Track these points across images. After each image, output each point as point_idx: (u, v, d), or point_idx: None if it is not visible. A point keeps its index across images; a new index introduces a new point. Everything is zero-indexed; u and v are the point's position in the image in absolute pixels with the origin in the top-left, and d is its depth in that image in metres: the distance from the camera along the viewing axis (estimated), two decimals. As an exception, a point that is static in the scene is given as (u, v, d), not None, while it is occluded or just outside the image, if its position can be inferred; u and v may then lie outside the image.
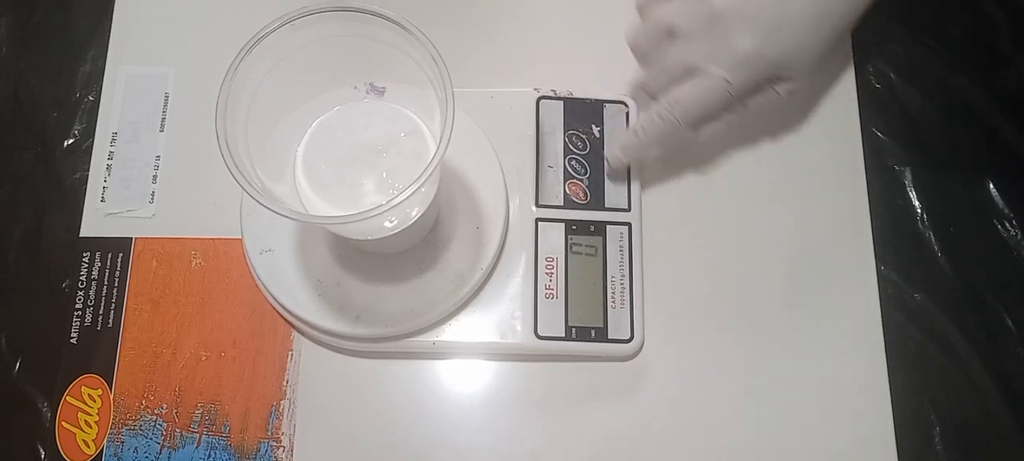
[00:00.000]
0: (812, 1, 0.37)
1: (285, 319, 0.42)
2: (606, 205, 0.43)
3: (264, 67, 0.33)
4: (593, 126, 0.44)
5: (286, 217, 0.30)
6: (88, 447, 0.40)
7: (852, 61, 0.47)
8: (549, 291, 0.41)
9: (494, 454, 0.41)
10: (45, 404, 0.41)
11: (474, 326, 0.41)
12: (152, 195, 0.44)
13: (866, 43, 0.48)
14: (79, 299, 0.43)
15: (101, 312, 0.42)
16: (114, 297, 0.43)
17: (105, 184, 0.45)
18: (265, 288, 0.41)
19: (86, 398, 0.41)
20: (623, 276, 0.42)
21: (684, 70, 0.39)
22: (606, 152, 0.44)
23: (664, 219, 0.44)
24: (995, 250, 0.44)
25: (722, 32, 0.37)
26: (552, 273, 0.42)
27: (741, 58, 0.38)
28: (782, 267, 0.44)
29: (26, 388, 0.42)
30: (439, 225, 0.41)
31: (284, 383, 0.41)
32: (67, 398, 0.41)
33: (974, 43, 0.48)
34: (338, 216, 0.31)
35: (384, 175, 0.35)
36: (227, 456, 0.40)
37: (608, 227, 0.43)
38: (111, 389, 0.41)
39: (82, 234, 0.44)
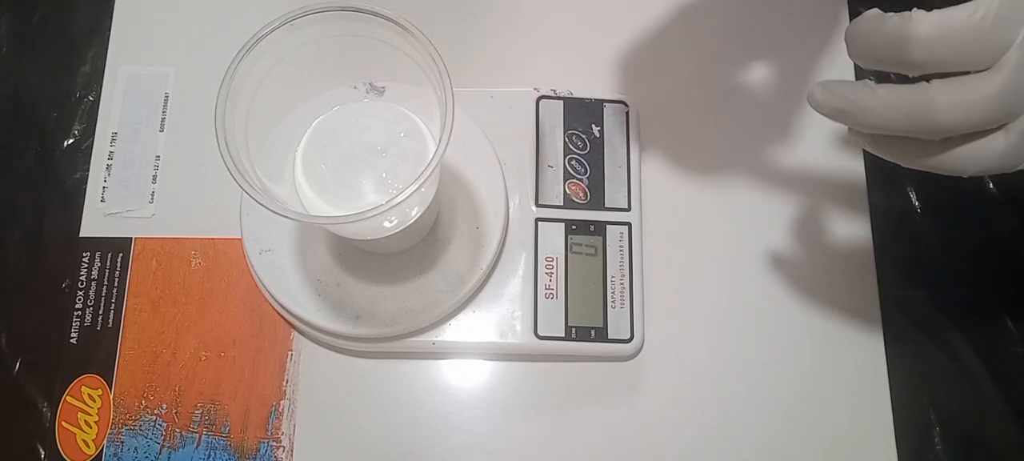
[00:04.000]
0: None
1: (285, 319, 0.42)
2: (606, 205, 0.43)
3: (264, 67, 0.33)
4: (593, 126, 0.44)
5: (286, 217, 0.30)
6: (88, 447, 0.40)
7: (852, 61, 0.47)
8: (549, 291, 0.41)
9: (494, 454, 0.41)
10: (45, 404, 0.41)
11: (474, 326, 0.41)
12: (152, 195, 0.44)
13: (866, 43, 0.48)
14: (79, 299, 0.43)
15: (101, 312, 0.42)
16: (114, 297, 0.43)
17: (105, 184, 0.45)
18: (265, 288, 0.41)
19: (86, 398, 0.41)
20: (623, 276, 0.42)
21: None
22: (811, 89, 0.32)
23: (664, 219, 0.44)
24: (995, 250, 0.44)
25: None
26: (552, 273, 0.42)
27: None
28: (782, 267, 0.44)
29: (26, 388, 0.42)
30: (439, 225, 0.41)
31: (284, 383, 0.41)
32: (67, 398, 0.41)
33: (974, 43, 0.48)
34: (338, 216, 0.31)
35: (384, 175, 0.35)
36: (227, 456, 0.40)
37: (608, 227, 0.43)
38: (111, 389, 0.41)
39: (82, 234, 0.44)
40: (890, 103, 0.29)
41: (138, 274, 0.43)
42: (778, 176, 0.45)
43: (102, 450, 0.40)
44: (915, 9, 0.28)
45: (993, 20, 0.27)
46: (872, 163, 0.45)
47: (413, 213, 0.36)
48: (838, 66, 0.47)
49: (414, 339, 0.40)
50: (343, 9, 0.32)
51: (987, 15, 0.27)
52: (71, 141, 0.46)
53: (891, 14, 0.28)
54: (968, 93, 0.27)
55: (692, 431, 0.41)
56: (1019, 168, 0.29)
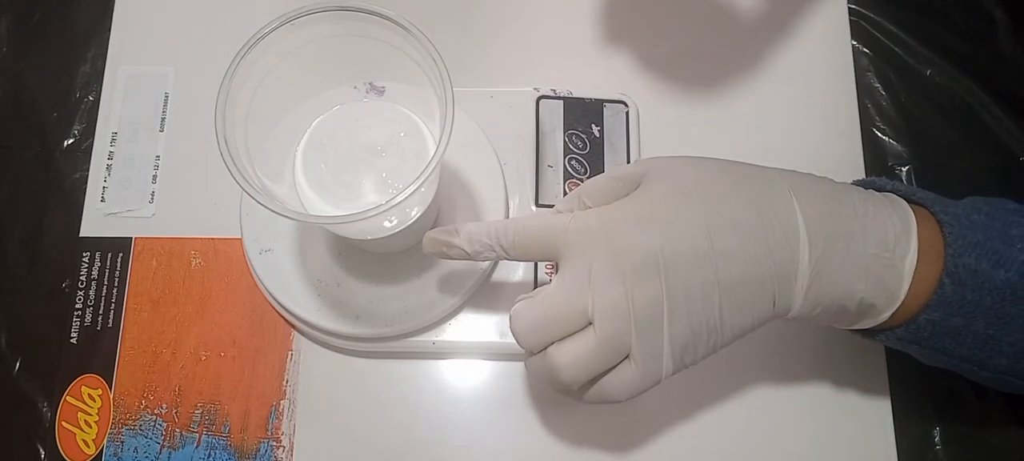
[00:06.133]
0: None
1: (285, 319, 0.42)
2: (606, 205, 0.43)
3: (264, 67, 0.33)
4: (593, 125, 0.44)
5: (286, 217, 0.30)
6: (88, 447, 0.40)
7: (852, 62, 0.47)
8: (549, 291, 0.41)
9: (494, 454, 0.41)
10: (45, 404, 0.41)
11: (474, 326, 0.41)
12: (152, 195, 0.44)
13: (866, 43, 0.48)
14: (79, 299, 0.43)
15: (101, 312, 0.42)
16: (114, 297, 0.43)
17: (105, 184, 0.45)
18: (265, 288, 0.41)
19: (86, 398, 0.41)
20: (623, 276, 0.42)
21: None
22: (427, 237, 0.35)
23: (664, 219, 0.44)
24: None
25: None
26: (552, 273, 0.42)
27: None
28: (782, 267, 0.44)
29: (26, 388, 0.42)
30: (439, 225, 0.41)
31: (284, 383, 0.41)
32: (67, 398, 0.41)
33: (974, 43, 0.48)
34: (338, 216, 0.31)
35: (383, 175, 0.35)
36: (227, 456, 0.40)
37: (608, 227, 0.43)
38: (111, 389, 0.41)
39: (82, 234, 0.44)
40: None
41: (138, 274, 0.43)
42: (778, 176, 0.45)
43: (102, 450, 0.40)
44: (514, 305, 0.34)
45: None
46: (872, 163, 0.45)
47: (413, 213, 0.36)
48: (838, 65, 0.47)
49: (414, 339, 0.40)
50: (343, 9, 0.32)
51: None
52: (71, 141, 0.46)
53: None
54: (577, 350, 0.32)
55: (691, 430, 0.41)
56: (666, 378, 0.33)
